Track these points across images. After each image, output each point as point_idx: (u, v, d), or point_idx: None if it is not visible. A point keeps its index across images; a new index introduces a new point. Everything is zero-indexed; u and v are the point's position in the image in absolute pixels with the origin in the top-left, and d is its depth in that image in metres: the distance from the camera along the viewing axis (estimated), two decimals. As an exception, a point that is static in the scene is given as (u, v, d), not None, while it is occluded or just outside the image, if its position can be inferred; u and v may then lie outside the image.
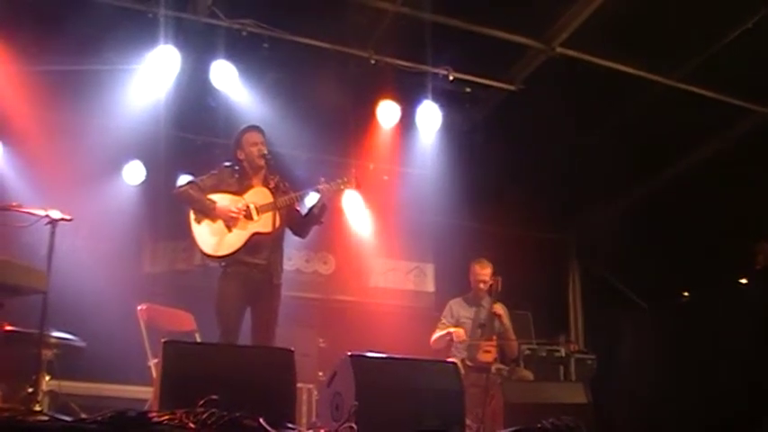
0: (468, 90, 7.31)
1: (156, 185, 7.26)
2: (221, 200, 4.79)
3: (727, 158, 7.44)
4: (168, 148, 7.28)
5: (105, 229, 7.13)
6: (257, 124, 5.09)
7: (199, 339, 5.47)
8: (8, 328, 4.68)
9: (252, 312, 4.73)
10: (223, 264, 4.76)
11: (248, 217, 4.76)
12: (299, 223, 5.07)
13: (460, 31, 6.39)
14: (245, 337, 4.70)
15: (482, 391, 5.09)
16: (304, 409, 6.22)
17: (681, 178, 8.03)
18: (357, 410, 3.36)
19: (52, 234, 4.40)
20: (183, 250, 7.69)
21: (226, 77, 6.63)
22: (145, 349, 5.12)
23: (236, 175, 4.94)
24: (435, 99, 7.17)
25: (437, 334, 6.17)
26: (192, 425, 2.81)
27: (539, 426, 3.58)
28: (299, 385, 4.01)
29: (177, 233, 6.38)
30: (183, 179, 5.24)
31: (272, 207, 4.71)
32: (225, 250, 4.71)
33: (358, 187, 5.20)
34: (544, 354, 7.39)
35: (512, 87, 7.12)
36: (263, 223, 4.71)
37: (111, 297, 6.17)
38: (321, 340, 6.91)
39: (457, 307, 6.31)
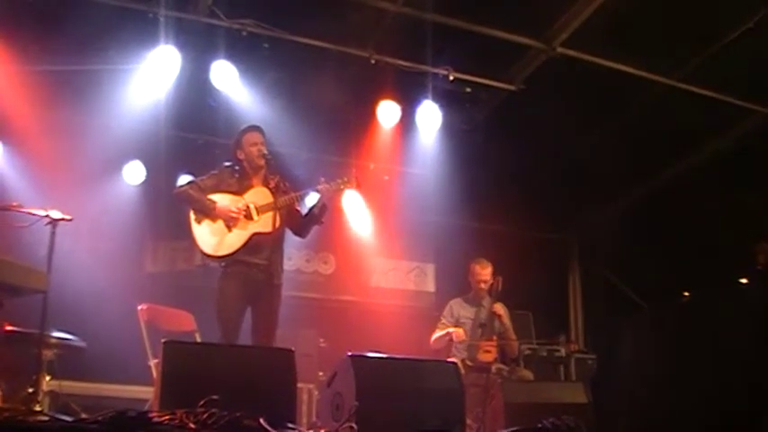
0: (468, 90, 7.31)
1: (157, 185, 7.27)
2: (221, 200, 4.79)
3: (727, 158, 7.44)
4: (168, 148, 7.28)
5: (105, 229, 7.13)
6: (257, 124, 5.09)
7: (199, 339, 5.46)
8: (8, 328, 4.68)
9: (252, 312, 4.73)
10: (223, 264, 4.76)
11: (248, 217, 4.76)
12: (300, 223, 5.07)
13: (461, 31, 6.39)
14: (245, 337, 4.69)
15: (482, 391, 5.08)
16: (304, 409, 6.22)
17: (681, 178, 8.03)
18: (357, 410, 3.36)
19: (52, 234, 4.41)
20: (184, 250, 7.69)
21: (226, 77, 6.64)
22: (145, 349, 5.11)
23: (237, 175, 4.94)
24: (435, 99, 7.17)
25: (437, 334, 6.17)
26: (192, 425, 2.81)
27: (539, 426, 3.59)
28: (299, 385, 4.01)
29: (177, 233, 6.38)
30: (184, 179, 5.25)
31: (273, 207, 4.71)
32: (225, 250, 4.71)
33: (358, 187, 5.21)
34: (544, 354, 7.40)
35: (512, 87, 7.12)
36: (264, 223, 4.71)
37: (111, 297, 6.17)
38: (321, 340, 6.91)
39: (457, 307, 6.31)
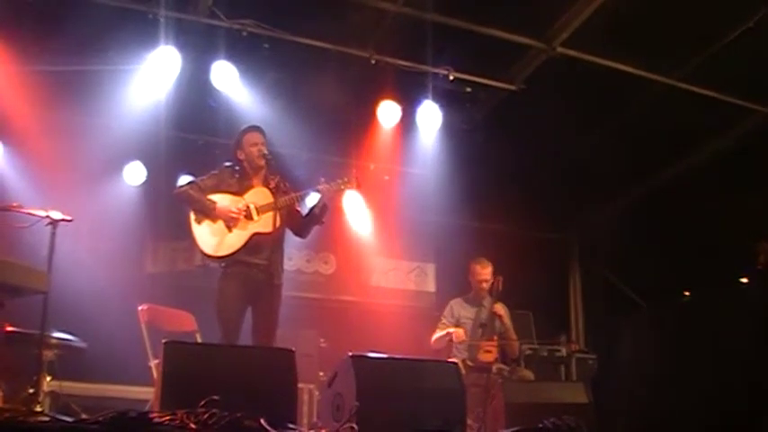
0: (468, 90, 7.31)
1: (157, 186, 7.27)
2: (221, 200, 4.79)
3: (727, 158, 7.44)
4: (169, 148, 7.29)
5: (106, 230, 7.13)
6: (258, 124, 5.09)
7: (199, 340, 5.46)
8: (9, 328, 4.69)
9: (252, 313, 4.73)
10: (223, 264, 4.76)
11: (248, 217, 4.76)
12: (300, 223, 5.07)
13: (461, 31, 6.39)
14: (245, 337, 4.70)
15: (483, 391, 5.09)
16: (305, 409, 6.21)
17: (681, 178, 8.03)
18: (358, 411, 3.36)
19: (53, 235, 4.41)
20: (184, 251, 7.69)
21: (226, 78, 6.64)
22: (146, 350, 5.12)
23: (237, 176, 4.94)
24: (436, 99, 7.17)
25: (437, 334, 6.17)
26: (192, 425, 2.81)
27: (540, 426, 3.59)
28: (299, 385, 4.01)
29: (178, 233, 6.38)
30: (184, 179, 5.24)
31: (273, 207, 4.70)
32: (225, 250, 4.71)
33: (358, 187, 5.21)
34: (545, 353, 7.40)
35: (512, 87, 7.12)
36: (264, 223, 4.71)
37: (111, 297, 6.17)
38: (322, 340, 6.90)
39: (457, 307, 6.32)
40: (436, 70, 6.92)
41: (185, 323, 5.61)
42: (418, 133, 7.54)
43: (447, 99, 7.27)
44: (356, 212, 8.26)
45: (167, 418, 2.85)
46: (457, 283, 6.86)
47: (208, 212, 4.75)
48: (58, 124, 6.71)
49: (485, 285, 6.21)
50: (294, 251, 8.11)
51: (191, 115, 7.20)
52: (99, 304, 6.07)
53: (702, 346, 3.56)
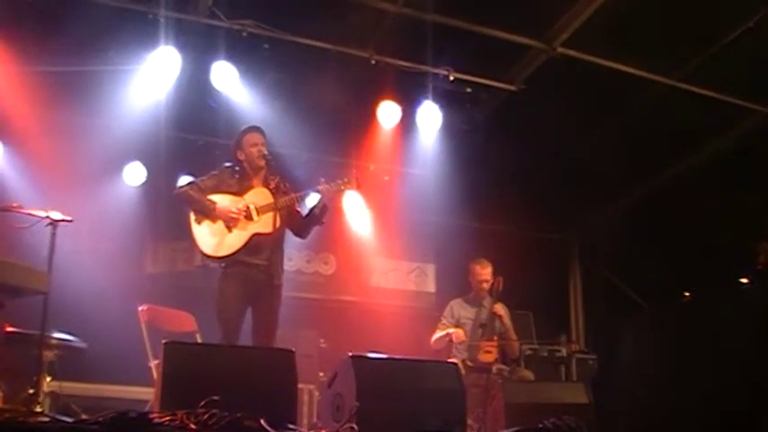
0: (468, 90, 7.31)
1: (157, 186, 7.27)
2: (221, 200, 4.79)
3: (727, 158, 7.45)
4: (169, 148, 7.29)
5: (106, 230, 7.14)
6: (258, 125, 5.09)
7: (199, 340, 5.46)
8: (9, 329, 4.69)
9: (252, 313, 4.73)
10: (223, 264, 4.76)
11: (248, 217, 4.76)
12: (300, 224, 5.06)
13: (461, 32, 6.39)
14: (245, 337, 4.69)
15: (483, 392, 5.09)
16: (305, 409, 6.21)
17: (681, 178, 8.04)
18: (358, 411, 3.36)
19: (53, 235, 4.41)
20: (184, 251, 7.69)
21: (226, 78, 6.64)
22: (146, 350, 5.11)
23: (237, 176, 4.94)
24: (436, 99, 7.17)
25: (437, 334, 6.17)
26: (192, 426, 2.81)
27: (540, 426, 3.58)
28: (299, 386, 4.02)
29: (178, 234, 6.38)
30: (184, 180, 5.24)
31: (273, 208, 4.70)
32: (225, 251, 4.71)
33: (359, 188, 5.21)
34: (545, 354, 7.39)
35: (512, 87, 7.12)
36: (264, 224, 4.71)
37: (111, 298, 6.17)
38: (322, 341, 6.90)
39: (458, 307, 6.31)
40: (436, 71, 6.92)
41: (185, 323, 5.61)
42: (418, 134, 7.54)
43: (447, 99, 7.26)
44: (356, 213, 8.26)
45: (167, 418, 2.85)
46: (457, 284, 6.86)
47: (208, 213, 4.75)
48: (58, 124, 6.71)
49: (485, 286, 6.20)
50: (294, 251, 8.11)
51: (191, 116, 7.20)
52: (99, 305, 6.06)
53: (703, 346, 3.56)
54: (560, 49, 6.54)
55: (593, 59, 6.61)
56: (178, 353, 3.55)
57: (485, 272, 6.21)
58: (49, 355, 4.77)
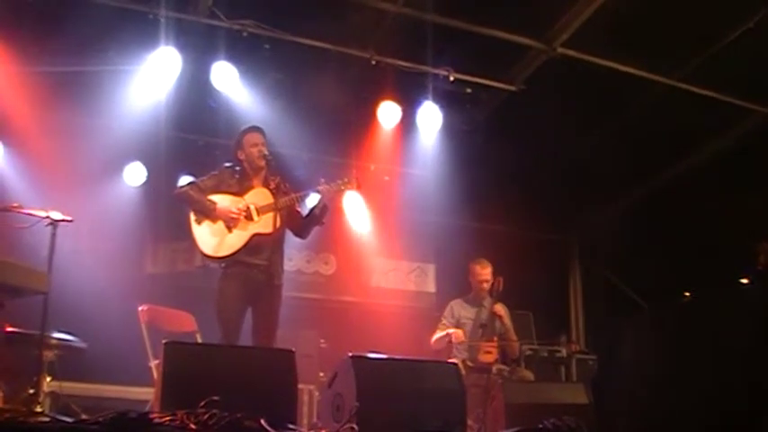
0: (468, 91, 7.32)
1: (157, 186, 7.27)
2: (222, 201, 4.79)
3: (727, 158, 7.45)
4: (169, 149, 7.29)
5: (106, 230, 7.13)
6: (258, 125, 5.09)
7: (200, 340, 5.46)
8: (9, 329, 4.69)
9: (253, 313, 4.73)
10: (223, 265, 4.76)
11: (249, 218, 4.76)
12: (300, 224, 5.06)
13: (461, 32, 6.40)
14: (245, 337, 4.69)
15: (483, 392, 5.08)
16: (305, 409, 6.21)
17: (681, 178, 8.04)
18: (358, 411, 3.36)
19: (53, 235, 4.41)
20: (184, 251, 7.69)
21: (226, 78, 6.64)
22: (146, 350, 5.11)
23: (237, 176, 4.93)
24: (436, 100, 7.17)
25: (437, 335, 6.17)
26: (192, 426, 2.81)
27: (540, 426, 3.58)
28: (300, 386, 4.01)
29: (178, 234, 6.37)
30: (184, 180, 5.24)
31: (273, 208, 4.71)
32: (225, 251, 4.71)
33: (359, 188, 5.20)
34: (545, 354, 7.40)
35: (512, 88, 7.13)
36: (264, 224, 4.71)
37: (111, 298, 6.17)
38: (322, 341, 6.91)
39: (458, 307, 6.31)
40: (436, 71, 6.92)
41: (185, 323, 5.61)
42: (418, 134, 7.54)
43: (447, 100, 7.27)
44: (356, 213, 8.26)
45: (167, 418, 2.85)
46: (457, 284, 6.86)
47: (208, 213, 4.75)
48: (58, 125, 6.71)
49: (485, 286, 6.20)
50: (294, 252, 8.11)
51: (191, 116, 7.21)
52: (99, 305, 6.07)
53: (702, 346, 3.56)
54: (560, 50, 6.54)
55: (593, 59, 6.62)
56: (178, 353, 3.55)
57: (485, 272, 6.21)
58: (49, 355, 4.77)
